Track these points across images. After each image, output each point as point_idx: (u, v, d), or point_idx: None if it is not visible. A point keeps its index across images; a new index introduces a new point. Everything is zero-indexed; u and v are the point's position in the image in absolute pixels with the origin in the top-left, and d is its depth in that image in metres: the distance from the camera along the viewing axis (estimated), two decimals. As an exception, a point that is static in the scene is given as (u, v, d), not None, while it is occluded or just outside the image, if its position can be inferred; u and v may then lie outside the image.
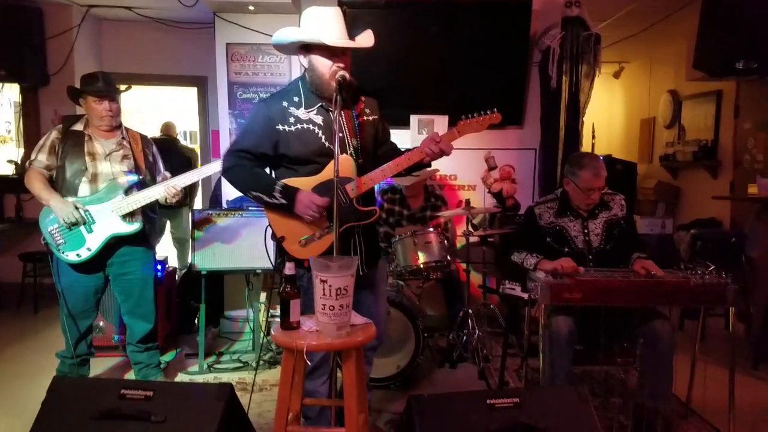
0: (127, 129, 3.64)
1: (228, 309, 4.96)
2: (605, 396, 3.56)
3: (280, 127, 2.58)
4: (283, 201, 2.54)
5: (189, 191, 6.39)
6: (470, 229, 4.23)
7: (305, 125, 2.60)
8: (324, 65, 2.53)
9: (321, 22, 2.51)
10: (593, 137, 6.35)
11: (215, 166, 3.61)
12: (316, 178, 2.61)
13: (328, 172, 2.56)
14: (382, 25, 4.78)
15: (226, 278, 4.89)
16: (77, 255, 3.39)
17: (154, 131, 6.50)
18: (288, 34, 2.54)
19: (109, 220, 3.41)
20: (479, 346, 4.15)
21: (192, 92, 7.08)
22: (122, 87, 3.71)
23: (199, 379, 3.98)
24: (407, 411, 2.40)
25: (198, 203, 7.11)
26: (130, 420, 2.32)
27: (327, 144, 2.59)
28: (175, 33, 6.39)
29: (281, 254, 2.68)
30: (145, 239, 3.62)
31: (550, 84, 5.00)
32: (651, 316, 3.07)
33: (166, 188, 3.46)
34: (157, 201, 3.52)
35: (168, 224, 6.56)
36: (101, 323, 4.32)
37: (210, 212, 4.15)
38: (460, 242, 4.96)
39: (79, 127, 3.50)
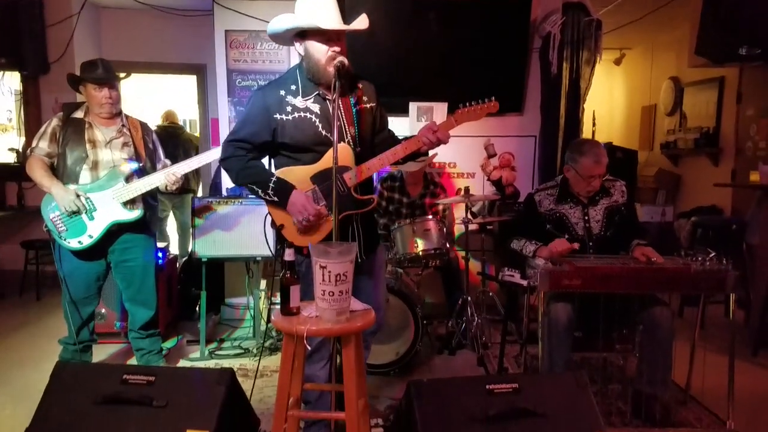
0: (127, 116, 3.64)
1: (228, 296, 4.98)
2: (604, 383, 3.58)
3: (277, 116, 2.57)
4: (275, 199, 2.56)
5: (194, 177, 6.44)
6: (469, 216, 4.23)
7: (302, 114, 2.59)
8: (319, 51, 2.52)
9: (315, 8, 2.49)
10: (594, 124, 6.35)
11: (214, 154, 3.62)
12: (315, 166, 2.60)
13: (326, 161, 2.56)
14: (381, 13, 4.77)
15: (227, 266, 4.90)
16: (79, 242, 3.40)
17: (152, 119, 6.49)
18: (282, 21, 2.53)
19: (110, 207, 3.42)
20: (478, 333, 4.16)
21: (191, 80, 7.07)
22: (122, 74, 3.70)
23: (201, 365, 4.00)
24: (407, 396, 2.42)
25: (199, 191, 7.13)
26: (133, 405, 2.34)
27: (324, 133, 2.59)
28: (175, 20, 6.36)
29: (281, 242, 2.68)
30: (146, 226, 3.63)
31: (550, 70, 4.99)
32: (651, 302, 3.08)
33: (166, 175, 3.47)
34: (157, 188, 3.53)
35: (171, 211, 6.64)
36: (103, 310, 4.34)
37: (210, 200, 4.16)
38: (459, 230, 4.96)
39: (79, 114, 3.50)
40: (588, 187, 3.27)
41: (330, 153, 2.46)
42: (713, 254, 2.96)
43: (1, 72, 5.97)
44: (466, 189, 4.27)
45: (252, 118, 2.63)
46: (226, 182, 4.97)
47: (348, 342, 2.12)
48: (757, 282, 4.44)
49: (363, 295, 2.54)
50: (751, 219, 4.96)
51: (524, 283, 3.23)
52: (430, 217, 4.23)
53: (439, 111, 4.95)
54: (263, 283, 4.73)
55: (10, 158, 6.05)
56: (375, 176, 2.91)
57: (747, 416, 3.22)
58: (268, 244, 2.93)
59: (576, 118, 5.04)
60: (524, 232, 3.40)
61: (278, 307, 2.23)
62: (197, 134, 7.40)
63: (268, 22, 2.58)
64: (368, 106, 2.74)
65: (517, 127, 5.30)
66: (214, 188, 5.49)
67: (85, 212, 3.38)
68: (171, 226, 7.02)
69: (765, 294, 4.28)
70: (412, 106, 5.00)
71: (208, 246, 4.08)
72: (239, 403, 2.63)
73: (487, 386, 2.36)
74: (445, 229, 4.25)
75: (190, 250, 4.97)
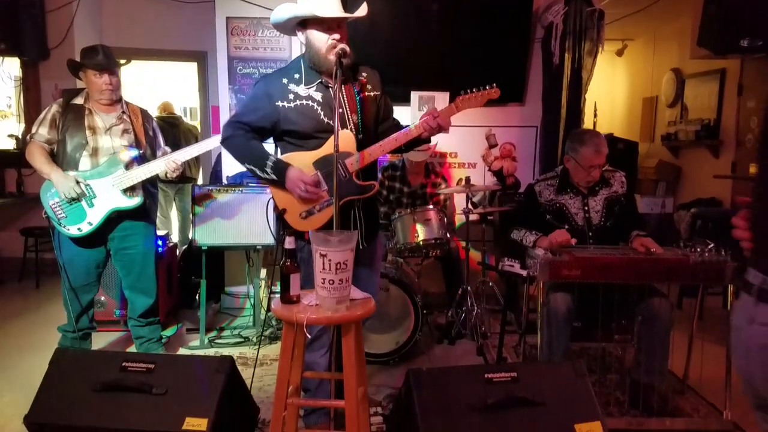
0: (127, 103, 3.63)
1: (229, 285, 4.99)
2: (602, 373, 3.59)
3: (279, 103, 2.61)
4: (274, 177, 2.60)
5: (194, 164, 6.46)
6: (470, 206, 4.23)
7: (304, 101, 2.63)
8: (320, 40, 2.55)
9: None
10: (595, 115, 6.33)
11: (215, 141, 3.62)
12: (317, 152, 2.63)
13: (328, 147, 2.58)
14: (383, 3, 4.75)
15: (227, 254, 4.91)
16: (78, 229, 3.40)
17: (151, 106, 6.49)
18: (283, 11, 2.56)
19: (110, 194, 3.42)
20: (478, 323, 4.17)
21: (190, 68, 7.04)
22: (122, 61, 3.69)
23: (201, 353, 4.01)
24: (406, 384, 2.43)
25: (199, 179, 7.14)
26: (132, 392, 2.35)
27: (326, 120, 2.62)
28: (176, 7, 6.32)
29: (283, 227, 2.71)
30: (146, 214, 3.63)
31: (552, 61, 4.96)
32: (649, 293, 3.08)
33: (166, 163, 3.46)
34: (157, 176, 3.53)
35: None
36: (102, 298, 4.35)
37: (210, 188, 4.16)
38: (459, 220, 4.96)
39: (79, 100, 3.49)
40: (588, 177, 3.27)
41: (332, 139, 2.47)
42: (712, 245, 2.96)
43: (1, 58, 5.94)
44: (467, 179, 4.27)
45: (254, 103, 2.68)
46: (227, 170, 4.96)
47: (348, 330, 2.12)
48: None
49: (360, 283, 2.54)
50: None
51: (524, 273, 3.23)
52: (431, 206, 4.23)
53: (441, 100, 4.95)
54: (263, 272, 4.73)
55: (10, 145, 6.03)
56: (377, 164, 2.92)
57: (744, 406, 3.21)
58: (270, 228, 2.94)
59: (577, 108, 5.01)
60: (524, 222, 3.40)
61: (278, 295, 2.24)
62: (196, 123, 7.40)
63: (269, 9, 2.59)
64: (372, 94, 2.77)
65: (518, 117, 5.28)
66: (215, 176, 5.48)
67: (85, 199, 3.38)
68: (173, 215, 7.05)
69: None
70: (414, 95, 4.99)
71: (209, 234, 4.08)
72: (239, 391, 2.64)
73: (486, 375, 2.38)
74: (445, 219, 4.25)
75: (190, 238, 4.98)
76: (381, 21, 4.73)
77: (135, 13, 6.42)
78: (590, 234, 3.28)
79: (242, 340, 4.28)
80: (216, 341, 4.26)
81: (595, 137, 3.28)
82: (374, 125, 2.79)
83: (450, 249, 4.45)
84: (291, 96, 2.62)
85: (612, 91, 8.73)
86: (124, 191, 3.43)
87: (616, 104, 8.72)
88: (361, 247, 2.64)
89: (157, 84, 8.63)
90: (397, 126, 2.84)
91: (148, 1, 6.30)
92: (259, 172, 2.61)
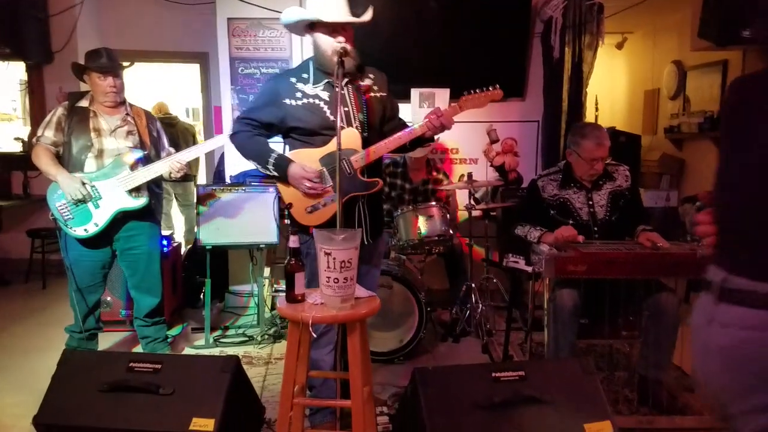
0: (131, 105, 3.65)
1: (233, 284, 5.00)
2: (610, 370, 3.56)
3: (286, 101, 2.69)
4: (275, 173, 2.69)
5: (194, 163, 6.49)
6: (472, 202, 4.23)
7: (311, 100, 2.71)
8: (326, 42, 2.63)
9: (323, 0, 2.60)
10: (596, 109, 6.30)
11: (218, 141, 3.65)
12: (323, 149, 2.70)
13: (334, 144, 2.62)
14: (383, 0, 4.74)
15: (231, 253, 4.91)
16: (85, 230, 3.42)
17: (148, 107, 6.51)
18: (291, 14, 2.65)
19: (116, 195, 3.43)
20: (482, 320, 4.16)
21: (191, 69, 7.05)
22: (125, 63, 3.70)
23: (206, 352, 4.02)
24: (412, 383, 2.43)
25: (202, 178, 7.16)
26: (139, 392, 2.36)
27: (332, 118, 2.68)
28: (177, 9, 6.32)
29: (291, 223, 2.79)
30: (150, 214, 3.65)
31: (552, 55, 4.95)
32: (656, 288, 3.05)
33: (170, 163, 3.48)
34: (161, 176, 3.55)
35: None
36: (108, 298, 4.36)
37: (213, 187, 4.17)
38: (462, 216, 4.96)
39: (84, 103, 3.51)
40: (591, 170, 3.26)
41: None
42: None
43: (6, 62, 5.96)
44: (469, 175, 4.26)
45: (262, 100, 2.78)
46: (230, 170, 4.96)
47: (353, 329, 2.13)
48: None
49: (361, 279, 2.56)
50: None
51: (529, 269, 3.23)
52: (434, 203, 4.23)
53: (441, 97, 4.94)
54: (267, 271, 4.74)
55: (16, 147, 6.06)
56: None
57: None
58: (276, 222, 2.96)
59: (578, 102, 5.01)
60: (528, 218, 3.38)
61: (283, 294, 2.25)
62: (194, 123, 7.41)
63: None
64: (378, 95, 2.84)
65: (519, 112, 5.28)
66: (218, 176, 5.49)
67: (91, 200, 3.40)
68: (177, 216, 7.07)
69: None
70: (414, 92, 4.98)
71: (212, 233, 4.08)
72: (244, 390, 2.65)
73: (493, 374, 2.37)
74: (448, 215, 4.25)
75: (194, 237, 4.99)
76: (381, 18, 4.66)
77: (137, 15, 6.44)
78: (595, 229, 3.27)
79: (247, 339, 4.28)
80: (221, 340, 4.27)
81: (596, 130, 3.27)
82: (380, 124, 2.85)
83: (453, 245, 4.45)
84: (298, 94, 2.70)
85: (613, 85, 8.69)
86: (130, 192, 3.45)
87: (617, 98, 8.68)
88: (365, 242, 2.71)
89: (160, 86, 8.64)
90: (402, 125, 2.89)
91: (150, 3, 6.30)
92: (261, 168, 2.72)
